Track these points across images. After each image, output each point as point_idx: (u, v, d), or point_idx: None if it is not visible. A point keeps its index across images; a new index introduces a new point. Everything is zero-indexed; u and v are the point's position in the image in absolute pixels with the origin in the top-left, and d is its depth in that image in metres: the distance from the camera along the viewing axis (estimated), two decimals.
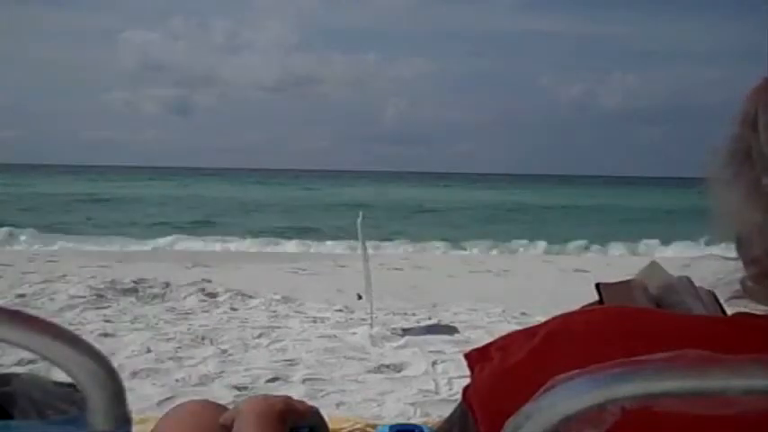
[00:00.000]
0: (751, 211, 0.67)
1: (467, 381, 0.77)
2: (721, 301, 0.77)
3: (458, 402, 0.78)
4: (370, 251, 5.59)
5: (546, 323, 0.73)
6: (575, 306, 0.83)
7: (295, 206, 30.92)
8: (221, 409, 1.34)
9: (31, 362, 3.77)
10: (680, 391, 0.50)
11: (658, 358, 0.51)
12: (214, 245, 15.60)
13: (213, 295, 6.86)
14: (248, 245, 15.87)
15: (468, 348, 0.79)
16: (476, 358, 0.75)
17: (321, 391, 4.07)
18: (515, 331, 0.75)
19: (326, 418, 1.35)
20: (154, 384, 4.12)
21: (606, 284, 0.86)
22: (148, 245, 15.36)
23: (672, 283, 0.84)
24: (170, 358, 4.66)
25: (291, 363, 4.63)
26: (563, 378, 0.53)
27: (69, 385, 0.84)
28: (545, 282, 9.24)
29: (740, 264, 0.71)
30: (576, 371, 0.53)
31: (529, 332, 0.73)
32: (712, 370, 0.50)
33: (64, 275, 7.75)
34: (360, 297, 6.04)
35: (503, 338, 0.75)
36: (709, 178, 0.72)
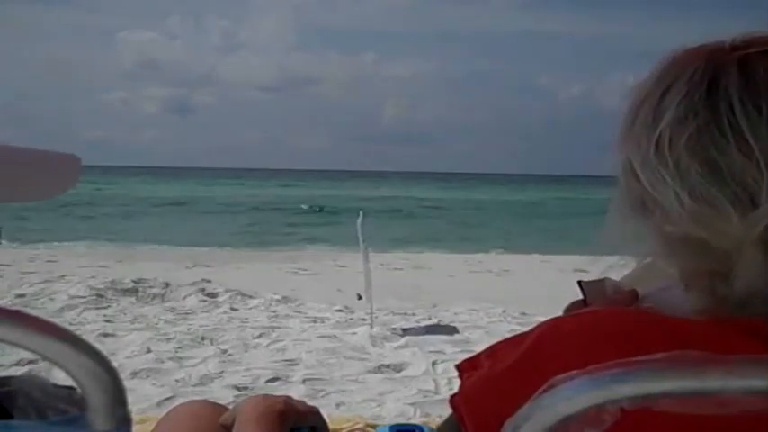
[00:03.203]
0: (675, 258, 0.72)
1: None
2: None
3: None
4: (369, 251, 5.58)
5: (535, 328, 0.73)
6: None
7: (293, 206, 30.91)
8: (221, 409, 1.34)
9: (31, 362, 3.78)
10: (679, 391, 0.50)
11: (657, 359, 0.51)
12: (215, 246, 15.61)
13: (213, 295, 6.86)
14: (248, 245, 15.87)
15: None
16: (466, 367, 0.76)
17: (321, 391, 4.07)
18: (505, 339, 0.75)
19: (326, 418, 1.35)
20: (154, 384, 4.12)
21: (587, 282, 0.90)
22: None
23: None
24: (170, 358, 4.66)
25: (291, 363, 4.63)
26: (562, 378, 0.53)
27: (69, 386, 0.84)
28: (545, 281, 9.23)
29: None
30: (575, 371, 0.53)
31: (518, 339, 0.73)
32: (711, 370, 0.50)
33: (63, 275, 7.75)
34: (360, 297, 6.03)
35: (493, 346, 0.76)
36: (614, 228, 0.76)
